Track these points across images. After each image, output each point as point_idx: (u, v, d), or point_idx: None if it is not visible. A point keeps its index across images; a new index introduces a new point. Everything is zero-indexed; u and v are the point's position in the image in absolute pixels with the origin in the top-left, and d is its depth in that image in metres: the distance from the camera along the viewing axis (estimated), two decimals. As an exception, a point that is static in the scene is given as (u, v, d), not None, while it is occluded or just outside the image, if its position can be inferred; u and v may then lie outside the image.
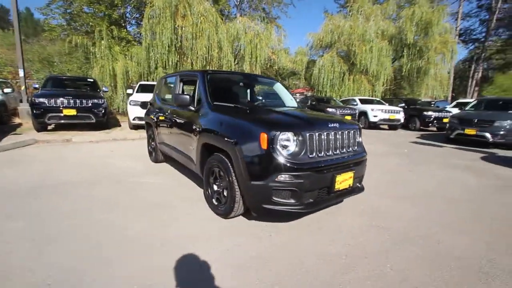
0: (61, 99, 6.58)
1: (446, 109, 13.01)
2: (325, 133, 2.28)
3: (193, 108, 2.99)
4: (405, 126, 12.07)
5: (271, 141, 2.06)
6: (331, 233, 2.32)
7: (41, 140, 5.84)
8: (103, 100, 7.45)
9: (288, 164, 2.05)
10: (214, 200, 2.62)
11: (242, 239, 2.15)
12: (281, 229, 2.35)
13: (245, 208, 2.37)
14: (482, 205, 3.11)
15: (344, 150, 2.45)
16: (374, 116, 11.28)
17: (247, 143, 2.14)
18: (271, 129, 2.09)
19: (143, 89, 8.85)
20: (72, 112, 6.69)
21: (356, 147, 2.61)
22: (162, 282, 1.62)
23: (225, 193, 2.46)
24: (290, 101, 3.69)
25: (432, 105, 13.65)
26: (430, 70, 15.36)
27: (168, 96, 3.94)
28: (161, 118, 3.95)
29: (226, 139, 2.32)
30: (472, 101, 9.97)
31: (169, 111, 3.64)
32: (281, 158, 2.06)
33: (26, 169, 3.90)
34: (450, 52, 15.22)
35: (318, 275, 1.74)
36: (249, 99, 3.65)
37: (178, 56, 12.48)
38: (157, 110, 4.15)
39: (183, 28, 12.03)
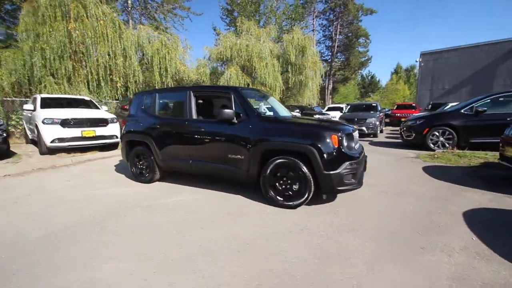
0: None
1: (323, 112, 17.22)
2: (353, 133, 3.29)
3: (235, 121, 3.30)
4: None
5: (339, 140, 2.87)
6: (364, 201, 3.34)
7: None
8: (0, 121, 5.58)
9: (350, 155, 2.93)
10: (279, 198, 3.10)
11: (326, 217, 2.83)
12: (337, 206, 3.17)
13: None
14: (403, 169, 5.03)
15: (359, 143, 3.56)
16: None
17: (323, 144, 2.84)
18: (337, 132, 2.90)
19: (48, 103, 7.14)
20: (-40, 139, 4.73)
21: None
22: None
23: (294, 188, 3.02)
24: (283, 111, 4.50)
25: (313, 110, 17.67)
26: (308, 83, 19.67)
27: (175, 111, 3.86)
28: (167, 133, 3.84)
29: (300, 143, 2.90)
30: (347, 106, 13.87)
31: (187, 126, 3.65)
32: (346, 151, 2.91)
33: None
34: (318, 70, 20.04)
35: (388, 221, 2.71)
36: (262, 110, 4.19)
37: (73, 64, 10.43)
38: (156, 126, 3.94)
39: (78, 32, 10.21)
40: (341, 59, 34.18)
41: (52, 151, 6.39)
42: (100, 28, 10.82)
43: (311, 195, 2.96)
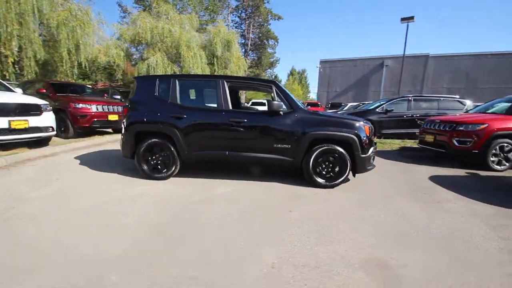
0: None
1: (248, 106, 18.37)
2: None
3: (281, 113, 3.56)
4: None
5: (369, 130, 3.67)
6: (368, 179, 4.26)
7: None
8: None
9: (374, 141, 3.79)
10: (321, 180, 3.63)
11: (362, 191, 3.61)
12: (358, 184, 3.98)
13: (346, 175, 3.73)
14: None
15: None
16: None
17: (361, 133, 3.56)
18: (367, 123, 3.69)
19: None
20: None
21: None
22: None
23: (336, 169, 3.62)
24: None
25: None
26: (234, 78, 20.27)
27: (203, 100, 3.66)
28: (197, 124, 3.65)
29: (346, 133, 3.51)
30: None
31: (223, 117, 3.60)
32: (372, 139, 3.75)
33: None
34: (242, 65, 20.92)
35: (400, 189, 3.77)
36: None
37: None
38: (182, 116, 3.62)
39: None
40: (253, 57, 36.54)
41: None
42: (-19, -23, 7.81)
43: (348, 174, 3.65)
